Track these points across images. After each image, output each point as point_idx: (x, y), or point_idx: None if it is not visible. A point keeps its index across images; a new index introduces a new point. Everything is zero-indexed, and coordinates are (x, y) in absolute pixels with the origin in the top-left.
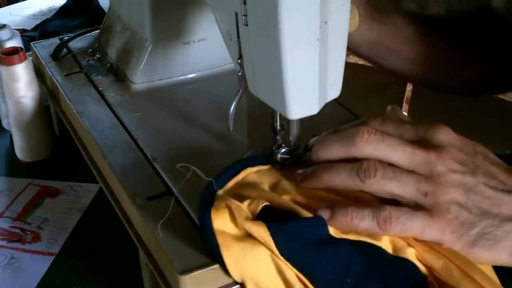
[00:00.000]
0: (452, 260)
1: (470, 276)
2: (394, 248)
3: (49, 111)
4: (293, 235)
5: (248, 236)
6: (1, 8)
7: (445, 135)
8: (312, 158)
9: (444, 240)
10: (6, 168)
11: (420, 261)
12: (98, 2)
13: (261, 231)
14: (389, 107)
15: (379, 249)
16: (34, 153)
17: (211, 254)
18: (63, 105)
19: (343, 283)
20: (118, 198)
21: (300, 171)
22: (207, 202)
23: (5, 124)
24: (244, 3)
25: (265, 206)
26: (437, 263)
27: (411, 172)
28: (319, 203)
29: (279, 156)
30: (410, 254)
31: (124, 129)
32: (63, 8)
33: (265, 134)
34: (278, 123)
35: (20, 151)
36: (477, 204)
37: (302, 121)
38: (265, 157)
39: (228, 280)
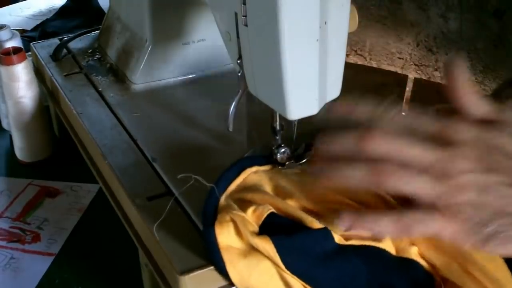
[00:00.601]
0: (453, 257)
1: (470, 273)
2: (397, 248)
3: (48, 111)
4: (299, 249)
5: (254, 249)
6: (1, 9)
7: (459, 132)
8: (320, 150)
9: (458, 239)
10: (6, 168)
11: (424, 258)
12: (97, 3)
13: (266, 246)
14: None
15: (383, 252)
16: (33, 153)
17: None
18: (63, 106)
19: None
20: (117, 198)
21: (313, 169)
22: (211, 214)
23: (4, 125)
24: (244, 3)
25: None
26: (438, 260)
27: (426, 172)
28: (322, 206)
29: (279, 156)
30: (414, 253)
31: (124, 130)
32: (62, 9)
33: (265, 134)
34: (277, 123)
35: (19, 151)
36: (490, 203)
37: (302, 121)
38: (262, 157)
39: (228, 280)
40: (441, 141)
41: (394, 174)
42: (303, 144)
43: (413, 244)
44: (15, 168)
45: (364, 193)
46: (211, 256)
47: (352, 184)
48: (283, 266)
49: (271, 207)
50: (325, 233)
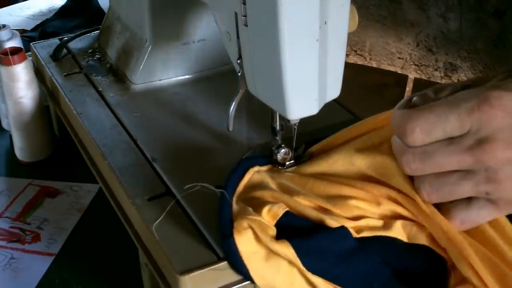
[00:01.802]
0: (450, 241)
1: (467, 259)
2: (408, 235)
3: (48, 111)
4: (318, 251)
5: (274, 252)
6: (1, 9)
7: (492, 119)
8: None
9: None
10: (6, 168)
11: (434, 242)
12: (97, 3)
13: (286, 251)
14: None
15: (395, 241)
16: (33, 153)
17: (217, 255)
18: (63, 106)
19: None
20: (117, 198)
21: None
22: (227, 221)
23: (4, 124)
24: (244, 3)
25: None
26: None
27: (467, 174)
28: (328, 201)
29: (279, 156)
30: (425, 238)
31: (124, 130)
32: (62, 9)
33: (265, 134)
34: (277, 123)
35: (19, 151)
36: None
37: (302, 121)
38: (263, 157)
39: (228, 280)
40: (476, 136)
41: (434, 196)
42: (303, 144)
43: (422, 229)
44: (15, 168)
45: (370, 186)
46: (234, 265)
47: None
48: (304, 269)
49: (285, 206)
50: (343, 232)
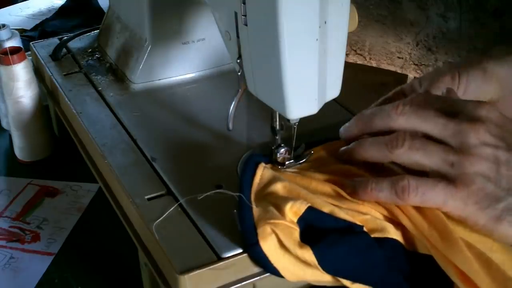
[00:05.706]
0: (438, 248)
1: (455, 266)
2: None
3: (48, 111)
4: (340, 259)
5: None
6: (0, 9)
7: (485, 110)
8: (352, 131)
9: (466, 211)
10: (6, 167)
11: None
12: (97, 2)
13: (308, 258)
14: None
15: (400, 243)
16: (33, 153)
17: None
18: (63, 105)
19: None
20: (117, 198)
21: (341, 149)
22: (250, 227)
23: (4, 124)
24: (244, 2)
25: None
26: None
27: (440, 143)
28: (334, 200)
29: (279, 156)
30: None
31: (124, 129)
32: (62, 8)
33: (265, 134)
34: (277, 123)
35: (19, 151)
36: (507, 179)
37: (302, 121)
38: (264, 156)
39: (227, 280)
40: (465, 116)
41: (405, 143)
42: (303, 144)
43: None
44: (14, 167)
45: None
46: (265, 268)
47: (370, 157)
48: (325, 273)
49: (307, 202)
50: (370, 242)
